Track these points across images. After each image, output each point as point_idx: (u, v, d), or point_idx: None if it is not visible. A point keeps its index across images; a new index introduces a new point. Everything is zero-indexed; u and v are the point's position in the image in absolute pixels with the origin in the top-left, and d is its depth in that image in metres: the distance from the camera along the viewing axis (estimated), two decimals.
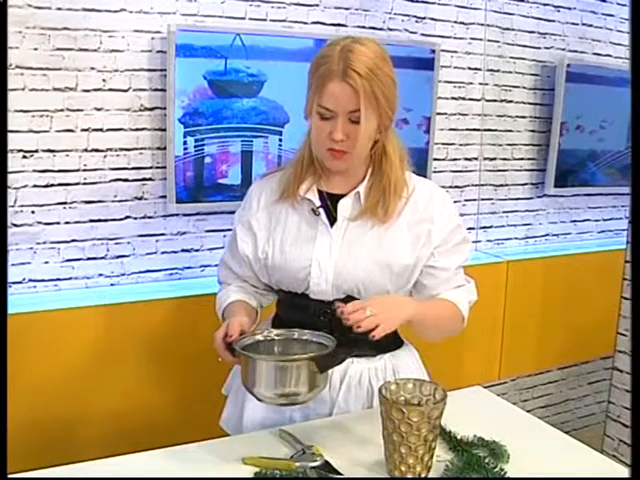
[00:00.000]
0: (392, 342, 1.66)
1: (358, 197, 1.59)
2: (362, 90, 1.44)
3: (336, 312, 1.41)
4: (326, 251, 1.57)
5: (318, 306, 1.59)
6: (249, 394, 1.57)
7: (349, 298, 1.57)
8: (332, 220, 1.59)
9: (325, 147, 1.53)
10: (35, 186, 2.23)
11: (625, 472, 1.34)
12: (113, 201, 2.35)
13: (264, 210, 1.66)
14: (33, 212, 2.24)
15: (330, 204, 1.61)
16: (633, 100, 1.20)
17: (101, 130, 2.29)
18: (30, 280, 2.28)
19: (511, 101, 3.13)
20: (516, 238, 3.29)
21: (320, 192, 1.62)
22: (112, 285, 2.41)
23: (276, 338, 1.53)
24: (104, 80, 2.26)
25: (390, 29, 2.74)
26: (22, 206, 2.22)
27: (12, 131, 2.15)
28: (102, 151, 2.30)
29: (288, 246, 1.60)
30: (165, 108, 2.32)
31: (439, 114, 2.89)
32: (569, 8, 3.17)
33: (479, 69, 3.01)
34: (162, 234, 2.46)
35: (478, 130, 3.07)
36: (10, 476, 1.24)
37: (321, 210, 1.60)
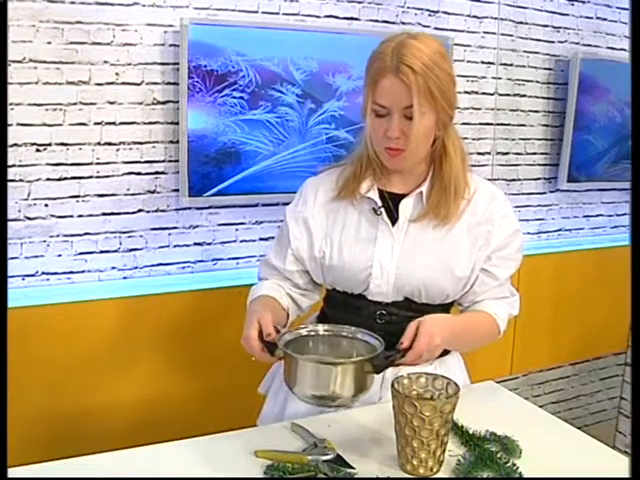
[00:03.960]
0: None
1: (420, 197, 1.57)
2: (415, 85, 1.41)
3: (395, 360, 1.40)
4: (388, 252, 1.55)
5: (375, 308, 1.57)
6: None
7: (408, 301, 1.56)
8: (392, 220, 1.57)
9: (382, 146, 1.51)
10: (48, 179, 2.23)
11: None
12: (126, 194, 2.36)
13: (321, 207, 1.62)
14: (46, 205, 2.25)
15: (390, 204, 1.58)
16: (633, 98, 1.19)
17: (114, 124, 2.29)
18: (43, 273, 2.29)
19: (524, 95, 3.11)
20: (529, 233, 3.27)
21: (380, 191, 1.59)
22: (125, 278, 2.42)
23: (324, 334, 1.47)
24: (117, 74, 2.26)
25: (403, 23, 2.73)
26: (35, 199, 2.23)
27: (25, 124, 2.16)
28: (115, 144, 2.31)
29: (348, 246, 1.57)
30: (178, 102, 2.33)
31: None
32: (583, 2, 3.15)
33: (492, 63, 2.99)
34: (175, 227, 2.47)
35: (491, 124, 3.05)
36: (11, 475, 1.25)
37: (382, 210, 1.57)
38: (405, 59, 1.41)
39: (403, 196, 1.58)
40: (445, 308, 1.62)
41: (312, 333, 1.48)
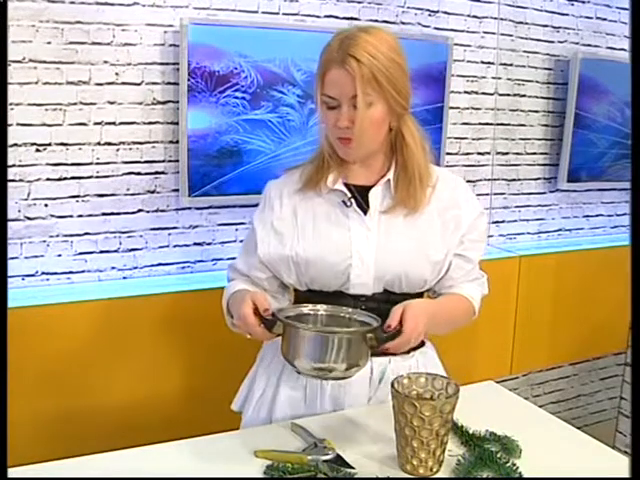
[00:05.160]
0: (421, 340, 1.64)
1: (388, 186, 1.58)
2: (359, 74, 1.43)
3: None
4: (364, 241, 1.55)
5: (353, 304, 1.55)
6: (276, 397, 1.58)
7: (387, 293, 1.57)
8: (362, 211, 1.57)
9: (334, 136, 1.53)
10: (48, 179, 2.24)
11: None
12: (126, 194, 2.36)
13: (287, 207, 1.61)
14: (46, 205, 2.25)
15: (358, 196, 1.58)
16: (633, 98, 1.19)
17: (114, 124, 2.29)
18: (43, 273, 2.29)
19: (524, 95, 3.11)
20: (529, 233, 3.28)
21: (346, 185, 1.59)
22: (124, 278, 2.42)
23: (324, 314, 1.50)
24: (117, 74, 2.26)
25: (403, 22, 2.73)
26: (35, 199, 2.23)
27: (25, 124, 2.16)
28: (115, 144, 2.31)
29: (323, 238, 1.56)
30: (178, 102, 2.33)
31: (452, 108, 2.88)
32: (583, 1, 3.15)
33: (492, 63, 2.99)
34: (174, 227, 2.47)
35: (491, 124, 3.05)
36: (11, 475, 1.25)
37: (352, 201, 1.57)
38: (350, 50, 1.44)
39: (369, 188, 1.59)
40: (420, 297, 1.64)
41: (312, 312, 1.51)
